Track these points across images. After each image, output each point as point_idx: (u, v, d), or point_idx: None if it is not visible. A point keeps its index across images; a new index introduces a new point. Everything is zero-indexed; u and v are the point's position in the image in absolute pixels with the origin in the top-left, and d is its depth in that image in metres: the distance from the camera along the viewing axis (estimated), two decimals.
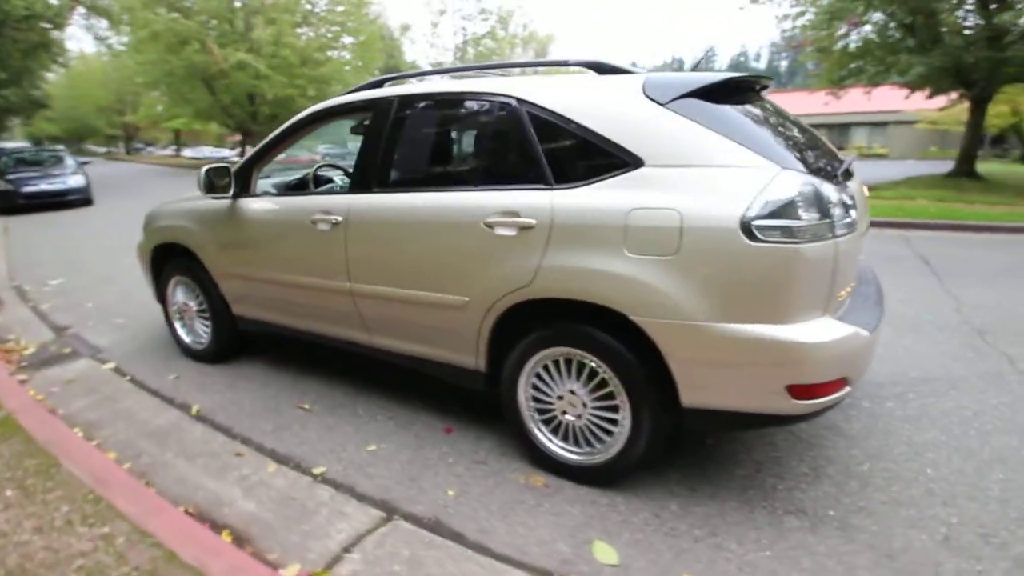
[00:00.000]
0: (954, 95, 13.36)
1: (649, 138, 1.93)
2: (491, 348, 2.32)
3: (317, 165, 3.61)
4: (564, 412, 2.23)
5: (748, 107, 2.07)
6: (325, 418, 2.87)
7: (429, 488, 2.28)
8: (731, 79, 2.00)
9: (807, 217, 1.74)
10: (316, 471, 2.42)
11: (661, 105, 1.95)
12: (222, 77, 20.51)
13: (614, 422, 2.12)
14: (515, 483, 2.29)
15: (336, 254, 2.64)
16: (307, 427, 2.79)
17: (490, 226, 2.17)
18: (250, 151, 3.20)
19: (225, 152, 37.68)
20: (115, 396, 3.19)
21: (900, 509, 2.09)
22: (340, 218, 2.59)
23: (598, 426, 2.17)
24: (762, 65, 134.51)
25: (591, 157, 2.04)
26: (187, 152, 39.88)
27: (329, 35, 23.76)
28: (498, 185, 2.22)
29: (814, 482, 2.26)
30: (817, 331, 1.78)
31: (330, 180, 3.62)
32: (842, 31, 12.82)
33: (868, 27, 12.11)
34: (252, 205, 3.03)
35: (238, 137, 32.65)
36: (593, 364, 2.10)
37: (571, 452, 2.24)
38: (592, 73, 2.23)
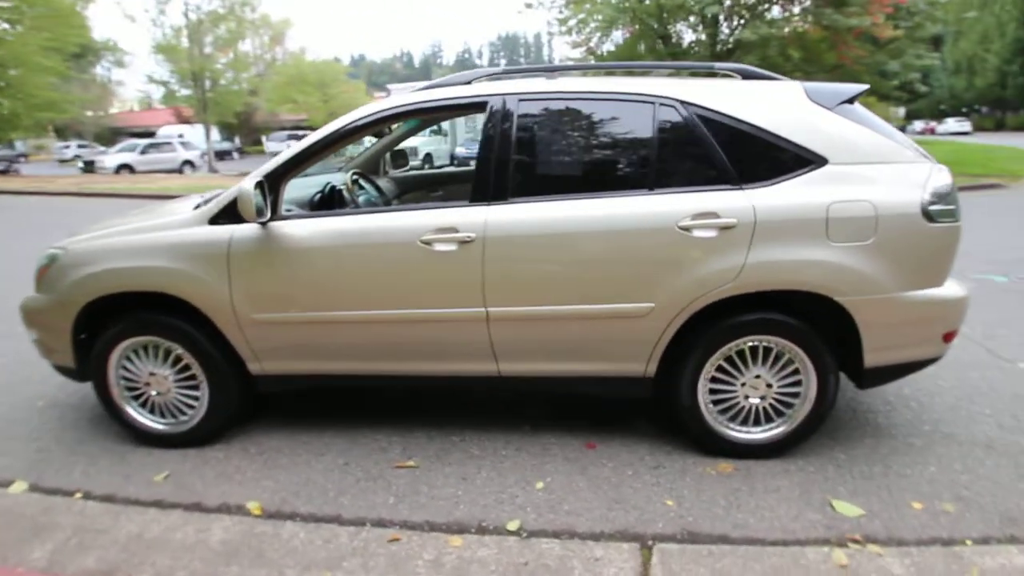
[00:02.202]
0: None
1: (828, 139, 2.18)
2: (667, 351, 2.32)
3: (351, 173, 2.90)
4: (747, 397, 2.37)
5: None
6: (444, 469, 2.46)
7: (643, 504, 2.20)
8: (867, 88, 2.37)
9: (954, 200, 2.21)
10: (511, 527, 2.10)
11: (829, 110, 2.22)
12: None
13: (795, 395, 2.36)
14: (710, 476, 2.35)
15: (466, 277, 2.27)
16: (436, 485, 2.35)
17: (686, 229, 2.17)
18: (273, 157, 2.45)
19: None
20: (93, 526, 2.18)
21: None
22: (473, 235, 2.24)
23: (781, 401, 2.37)
24: (484, 62, 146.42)
25: (771, 157, 2.20)
26: None
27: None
28: (678, 188, 2.21)
29: (954, 406, 2.81)
30: (958, 288, 2.28)
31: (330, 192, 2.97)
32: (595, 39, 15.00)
33: (620, 35, 14.39)
34: (300, 230, 2.36)
35: None
36: (775, 346, 2.29)
37: (753, 432, 2.40)
38: (738, 78, 2.37)
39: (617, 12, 12.81)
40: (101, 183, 17.04)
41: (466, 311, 2.31)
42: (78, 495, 2.36)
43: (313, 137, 2.42)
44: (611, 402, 2.93)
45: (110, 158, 22.79)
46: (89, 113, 37.99)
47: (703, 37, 13.61)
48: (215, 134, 28.18)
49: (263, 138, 39.91)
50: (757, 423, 2.41)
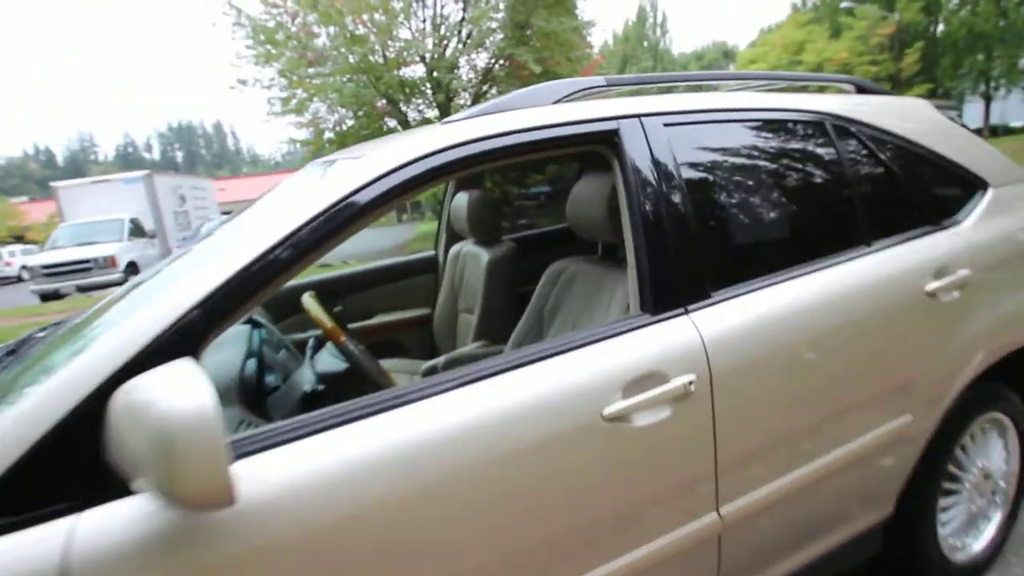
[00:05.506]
0: None
1: (982, 158, 1.81)
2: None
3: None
4: (972, 500, 1.77)
5: None
6: None
7: None
8: None
9: None
10: None
11: (960, 125, 1.86)
12: None
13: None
14: None
15: (689, 458, 1.16)
16: None
17: (932, 295, 1.48)
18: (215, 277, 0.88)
19: None
20: None
21: None
22: (692, 377, 1.14)
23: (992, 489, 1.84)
24: (156, 156, 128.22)
25: (948, 184, 1.74)
26: None
27: None
28: (892, 238, 1.55)
29: None
30: None
31: None
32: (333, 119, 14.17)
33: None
34: (314, 485, 0.90)
35: None
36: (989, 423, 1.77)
37: (982, 536, 1.81)
38: (853, 90, 1.85)
39: (362, 89, 12.13)
40: None
41: (687, 529, 1.17)
42: None
43: (301, 215, 0.99)
44: None
45: None
46: None
47: (433, 113, 13.81)
48: None
49: None
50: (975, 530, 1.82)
